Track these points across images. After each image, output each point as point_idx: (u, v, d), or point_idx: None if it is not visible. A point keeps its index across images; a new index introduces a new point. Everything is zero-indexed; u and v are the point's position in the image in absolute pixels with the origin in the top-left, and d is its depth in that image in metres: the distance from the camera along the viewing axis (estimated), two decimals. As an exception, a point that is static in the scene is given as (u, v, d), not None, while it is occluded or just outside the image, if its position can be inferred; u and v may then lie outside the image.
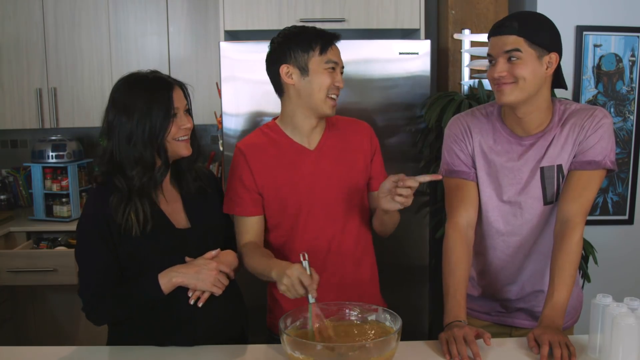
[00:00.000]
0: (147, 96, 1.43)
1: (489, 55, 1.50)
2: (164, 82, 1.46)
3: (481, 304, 1.71)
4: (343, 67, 1.63)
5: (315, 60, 1.57)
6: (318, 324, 1.36)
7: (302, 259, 1.39)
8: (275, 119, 1.70)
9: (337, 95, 1.62)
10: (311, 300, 1.36)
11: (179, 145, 1.48)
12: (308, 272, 1.37)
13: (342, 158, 1.66)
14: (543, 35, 1.44)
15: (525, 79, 1.44)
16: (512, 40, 1.43)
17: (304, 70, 1.57)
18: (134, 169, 1.43)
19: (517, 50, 1.43)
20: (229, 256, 1.52)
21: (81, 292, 1.44)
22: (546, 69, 1.46)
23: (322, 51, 1.57)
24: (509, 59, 1.44)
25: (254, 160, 1.62)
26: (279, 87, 1.63)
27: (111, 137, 1.45)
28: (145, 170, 1.44)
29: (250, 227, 1.64)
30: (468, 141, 1.61)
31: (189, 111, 1.52)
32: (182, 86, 1.51)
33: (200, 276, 1.42)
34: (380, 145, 1.76)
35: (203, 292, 1.44)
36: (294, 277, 1.36)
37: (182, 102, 1.48)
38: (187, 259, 1.47)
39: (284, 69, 1.58)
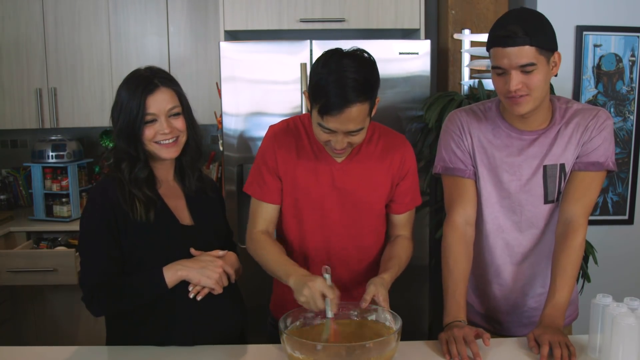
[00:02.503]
0: (127, 95, 1.45)
1: (497, 67, 1.41)
2: (144, 84, 1.45)
3: (485, 319, 1.70)
4: (356, 131, 1.42)
5: (314, 113, 1.43)
6: (334, 338, 1.35)
7: (324, 272, 1.39)
8: None
9: (340, 152, 1.48)
10: (330, 315, 1.35)
11: (157, 148, 1.48)
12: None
13: (367, 178, 1.58)
14: (548, 36, 1.40)
15: (538, 88, 1.41)
16: (525, 53, 1.36)
17: (309, 110, 1.48)
18: (123, 162, 1.47)
19: (533, 64, 1.38)
20: (232, 258, 1.52)
21: (82, 282, 1.44)
22: (552, 69, 1.44)
23: (320, 112, 1.40)
24: (523, 71, 1.39)
25: (281, 150, 1.58)
26: None
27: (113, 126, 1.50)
28: (131, 164, 1.47)
29: (266, 214, 1.61)
30: (466, 137, 1.59)
31: (183, 113, 1.50)
32: (175, 88, 1.49)
33: (206, 272, 1.42)
34: None
35: (203, 287, 1.44)
36: (315, 291, 1.34)
37: (165, 106, 1.46)
38: (192, 250, 1.47)
39: (305, 94, 1.49)
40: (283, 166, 1.58)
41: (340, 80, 1.36)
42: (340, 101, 1.36)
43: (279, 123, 1.64)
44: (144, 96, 1.43)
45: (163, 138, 1.47)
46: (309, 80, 1.45)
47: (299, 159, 1.58)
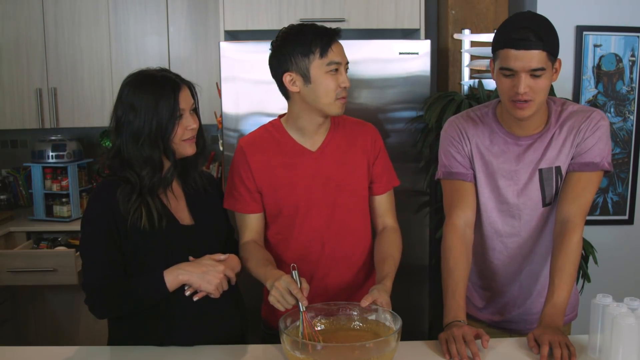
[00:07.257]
0: (154, 96, 1.42)
1: (506, 69, 1.41)
2: (171, 82, 1.45)
3: (484, 314, 1.71)
4: (348, 63, 1.57)
5: (317, 65, 1.51)
6: (309, 331, 1.35)
7: (291, 269, 1.41)
8: (281, 116, 1.68)
9: (346, 95, 1.56)
10: (302, 308, 1.36)
11: (184, 145, 1.48)
12: (298, 282, 1.38)
13: (344, 161, 1.64)
14: (556, 43, 1.41)
15: (542, 93, 1.43)
16: (538, 57, 1.37)
17: (306, 77, 1.52)
18: (144, 169, 1.45)
19: (543, 69, 1.39)
20: (234, 261, 1.52)
21: (84, 285, 1.44)
22: (553, 75, 1.45)
23: (323, 53, 1.51)
24: (532, 75, 1.40)
25: (254, 159, 1.62)
26: (285, 92, 1.60)
27: (119, 134, 1.46)
28: (154, 170, 1.45)
29: (250, 224, 1.65)
30: (465, 143, 1.60)
31: (195, 110, 1.52)
32: (189, 86, 1.51)
33: (207, 277, 1.42)
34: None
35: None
36: (282, 289, 1.37)
37: (189, 102, 1.48)
38: (190, 258, 1.47)
39: (287, 77, 1.54)
40: (258, 173, 1.61)
41: (302, 26, 1.55)
42: (326, 31, 1.52)
43: (247, 136, 1.69)
44: (176, 94, 1.43)
45: (190, 134, 1.47)
46: (281, 65, 1.54)
47: (274, 160, 1.61)
